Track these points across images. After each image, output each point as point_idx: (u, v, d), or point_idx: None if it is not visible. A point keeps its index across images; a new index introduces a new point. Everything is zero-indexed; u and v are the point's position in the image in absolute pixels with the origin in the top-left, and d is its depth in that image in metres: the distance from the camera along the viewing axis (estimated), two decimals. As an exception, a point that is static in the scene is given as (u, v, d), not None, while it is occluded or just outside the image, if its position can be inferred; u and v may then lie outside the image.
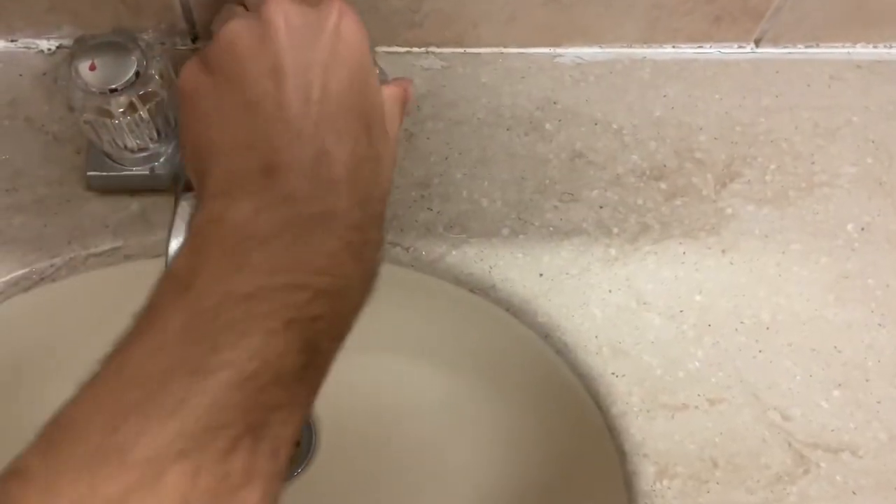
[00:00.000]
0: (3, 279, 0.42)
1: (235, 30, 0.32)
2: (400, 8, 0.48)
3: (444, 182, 0.47)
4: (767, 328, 0.45)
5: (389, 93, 0.36)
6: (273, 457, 0.27)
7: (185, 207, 0.37)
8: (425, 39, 0.51)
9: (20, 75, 0.47)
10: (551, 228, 0.47)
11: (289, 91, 0.31)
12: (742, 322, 0.45)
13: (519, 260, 0.45)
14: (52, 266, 0.43)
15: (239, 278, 0.28)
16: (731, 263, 0.46)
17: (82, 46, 0.39)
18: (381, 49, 0.51)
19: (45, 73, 0.47)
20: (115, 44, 0.40)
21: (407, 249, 0.45)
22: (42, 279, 0.43)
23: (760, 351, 0.44)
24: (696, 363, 0.44)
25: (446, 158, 0.48)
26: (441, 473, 0.51)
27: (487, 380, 0.50)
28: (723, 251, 0.47)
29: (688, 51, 0.53)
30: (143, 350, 0.27)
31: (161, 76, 0.40)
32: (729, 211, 0.48)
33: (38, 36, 0.48)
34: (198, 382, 0.26)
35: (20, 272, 0.42)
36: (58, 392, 0.41)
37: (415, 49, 0.51)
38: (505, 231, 0.46)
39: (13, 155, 0.45)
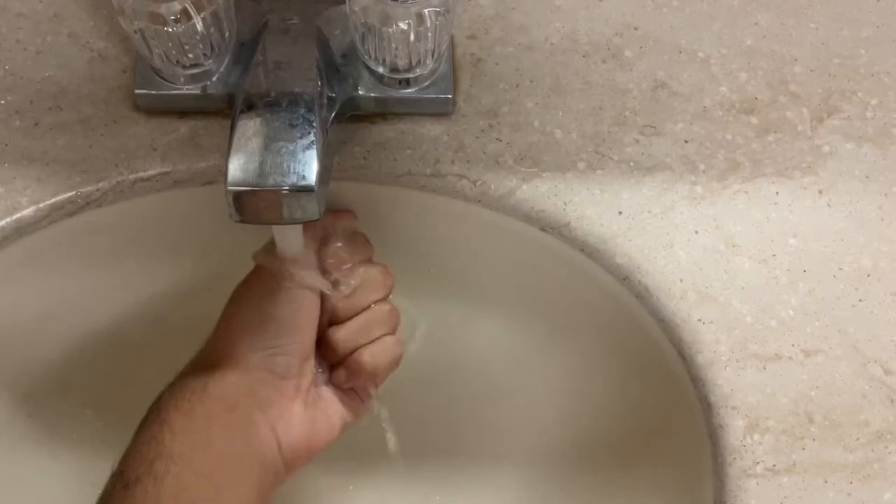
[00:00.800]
0: (49, 202, 0.40)
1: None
2: (470, -81, 0.44)
3: (513, 111, 0.44)
4: (868, 275, 0.41)
5: None
6: None
7: (246, 126, 0.33)
8: (496, -43, 0.47)
9: (63, -12, 0.44)
10: (632, 163, 0.43)
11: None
12: (841, 268, 0.41)
13: (596, 196, 0.42)
14: (97, 190, 0.40)
15: None
16: (829, 205, 0.42)
17: (134, -52, 0.36)
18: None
19: (89, -14, 0.44)
20: (168, -55, 0.36)
21: (474, 183, 0.42)
22: (88, 203, 0.40)
23: (861, 300, 0.40)
24: (790, 311, 0.40)
25: (517, 86, 0.44)
26: (505, 424, 0.48)
27: (557, 325, 0.47)
28: (819, 192, 0.43)
29: (782, -25, 0.48)
30: None
31: (217, -18, 0.37)
32: (826, 149, 0.44)
33: (83, -56, 0.45)
34: None
35: (65, 195, 0.40)
36: (95, 322, 0.39)
37: (483, -32, 0.47)
38: (581, 165, 0.43)
39: (56, 72, 0.42)
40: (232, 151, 0.33)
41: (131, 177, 0.40)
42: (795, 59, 0.46)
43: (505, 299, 0.47)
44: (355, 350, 0.39)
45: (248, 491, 0.34)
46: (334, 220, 0.41)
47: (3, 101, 0.41)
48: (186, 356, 0.39)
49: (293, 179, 0.32)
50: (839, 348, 0.39)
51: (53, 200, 0.40)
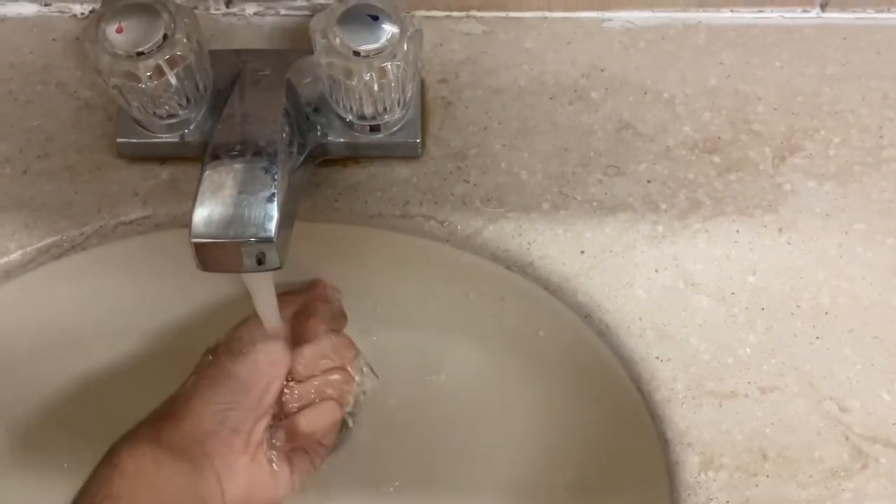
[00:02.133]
0: (35, 246, 0.42)
1: None
2: (435, -32, 0.46)
3: (481, 153, 0.45)
4: (826, 313, 0.42)
5: None
6: None
7: (213, 176, 0.35)
8: (466, 3, 0.48)
9: (53, 40, 0.47)
10: (595, 203, 0.44)
11: None
12: (799, 306, 0.42)
13: (559, 236, 0.43)
14: (81, 234, 0.42)
15: None
16: (789, 243, 0.43)
17: (110, 9, 0.38)
18: (420, 13, 0.49)
19: (77, 38, 0.46)
20: (144, 6, 0.39)
21: (442, 223, 0.44)
22: (73, 247, 0.42)
23: (818, 337, 0.41)
24: (748, 349, 0.41)
25: (485, 128, 0.46)
26: (473, 452, 0.49)
27: (524, 359, 0.48)
28: (780, 230, 0.44)
29: (747, 15, 0.49)
30: None
31: (189, 39, 0.39)
32: (788, 187, 0.45)
33: None
34: None
35: (51, 239, 0.42)
36: (85, 357, 0.41)
37: (455, 13, 0.49)
38: (545, 205, 0.44)
39: (45, 120, 0.45)
40: (196, 204, 0.34)
41: (114, 221, 0.43)
42: (759, 98, 0.47)
43: (477, 333, 0.48)
44: (297, 412, 0.41)
45: None
46: (321, 291, 0.44)
47: (-6, 150, 0.44)
48: (171, 389, 0.41)
49: (253, 231, 0.34)
50: (795, 385, 0.40)
51: (40, 244, 0.42)
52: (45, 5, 0.47)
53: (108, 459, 0.36)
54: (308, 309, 0.44)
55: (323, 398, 0.42)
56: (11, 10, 0.47)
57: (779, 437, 0.39)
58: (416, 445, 0.50)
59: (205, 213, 0.34)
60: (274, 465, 0.41)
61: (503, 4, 0.49)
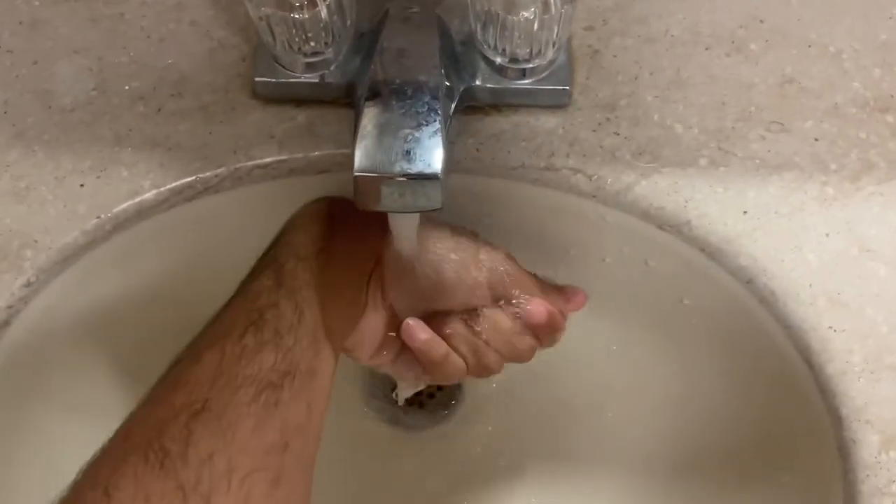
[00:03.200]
0: (169, 186, 0.40)
1: None
2: None
3: (632, 104, 0.42)
4: None
5: None
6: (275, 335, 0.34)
7: (370, 110, 0.33)
8: (615, -54, 0.45)
9: (185, -24, 0.45)
10: (757, 161, 0.41)
11: None
12: None
13: (719, 194, 0.40)
14: (216, 176, 0.41)
15: None
16: (975, 211, 0.39)
17: (263, -65, 0.36)
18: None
19: (210, -24, 0.45)
20: (296, -66, 0.37)
21: (590, 177, 0.41)
22: (206, 189, 0.41)
23: None
24: (930, 320, 0.37)
25: (636, 78, 0.43)
26: (614, 429, 0.47)
27: (672, 329, 0.45)
28: (964, 196, 0.40)
29: (923, -35, 0.45)
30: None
31: (342, -31, 0.37)
32: (972, 151, 0.41)
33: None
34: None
35: (185, 180, 0.40)
36: (214, 302, 0.39)
37: (602, -43, 0.46)
38: (703, 161, 0.41)
39: (178, 59, 0.43)
40: (358, 138, 0.32)
41: (249, 164, 0.41)
42: (937, 55, 0.43)
43: (617, 300, 0.46)
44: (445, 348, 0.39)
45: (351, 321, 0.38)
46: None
47: (127, 87, 0.43)
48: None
49: (419, 167, 0.32)
50: None
51: (174, 185, 0.40)
52: (178, -59, 0.46)
53: (324, 215, 0.39)
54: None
55: (480, 363, 0.40)
56: (143, -54, 0.46)
57: (969, 418, 0.36)
58: (541, 419, 0.48)
59: (368, 148, 0.32)
60: (390, 344, 0.40)
61: (654, -51, 0.45)
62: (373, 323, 0.39)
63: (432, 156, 0.32)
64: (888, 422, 0.36)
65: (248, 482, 0.30)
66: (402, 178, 0.32)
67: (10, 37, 0.44)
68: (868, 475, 0.35)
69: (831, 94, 0.42)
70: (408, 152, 0.32)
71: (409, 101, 0.34)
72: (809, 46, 0.44)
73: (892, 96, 0.42)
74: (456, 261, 0.38)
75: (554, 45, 0.39)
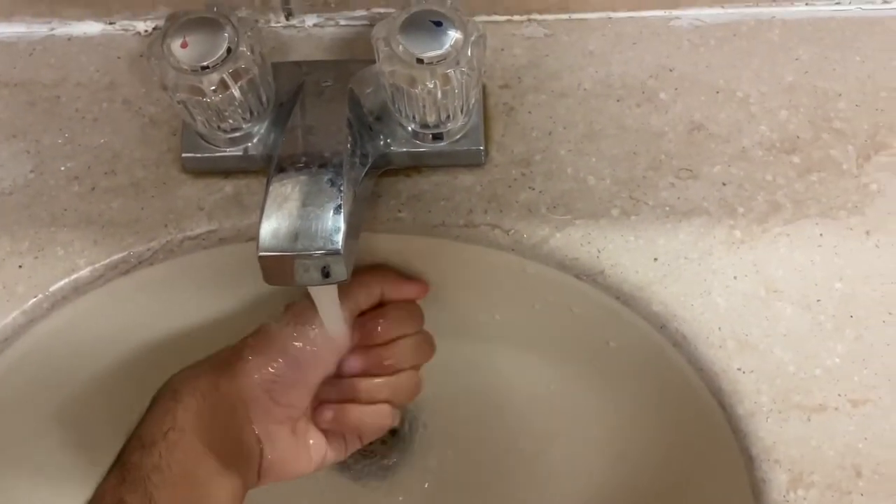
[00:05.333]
0: (103, 262, 0.42)
1: None
2: (500, -28, 0.45)
3: (546, 159, 0.44)
4: (921, 321, 0.39)
5: None
6: None
7: (278, 187, 0.35)
8: (527, 6, 0.47)
9: (118, 57, 0.47)
10: (667, 208, 0.42)
11: None
12: (891, 313, 0.39)
13: (630, 243, 0.42)
14: (148, 250, 0.42)
15: None
16: (877, 246, 0.41)
17: (175, 24, 0.38)
18: (480, 18, 0.48)
19: (142, 55, 0.47)
20: (208, 20, 0.39)
21: (507, 232, 0.42)
22: (140, 262, 0.43)
23: (914, 346, 0.39)
24: (836, 359, 0.39)
25: (550, 133, 0.45)
26: (543, 470, 0.48)
27: (595, 373, 0.46)
28: (867, 232, 0.41)
29: (823, 8, 0.47)
30: None
31: (252, 52, 0.39)
32: (874, 187, 0.42)
33: (135, 17, 0.48)
34: None
35: (119, 255, 0.42)
36: (158, 367, 0.41)
37: (516, 17, 0.48)
38: (615, 211, 0.42)
39: (112, 138, 0.45)
40: (263, 217, 0.34)
41: (180, 236, 0.43)
42: (839, 95, 0.45)
43: (546, 344, 0.47)
44: (351, 401, 0.42)
45: (237, 479, 0.39)
46: (398, 287, 0.44)
47: (63, 168, 0.44)
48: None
49: (320, 243, 0.33)
50: (889, 397, 0.38)
51: (108, 261, 0.42)
52: (110, 24, 0.48)
53: (172, 395, 0.39)
54: (384, 311, 0.43)
55: (383, 400, 0.42)
56: (77, 29, 0.48)
57: (873, 452, 0.37)
58: (481, 460, 0.49)
59: (272, 226, 0.33)
60: (311, 441, 0.42)
61: (565, 6, 0.47)
62: (282, 449, 0.41)
63: (334, 232, 0.34)
64: (795, 460, 0.37)
65: None
66: (305, 255, 0.33)
67: (-49, 124, 0.46)
68: (777, 514, 0.36)
69: (739, 139, 0.44)
70: (310, 229, 0.34)
71: (313, 178, 0.35)
72: (717, 92, 0.45)
73: (797, 137, 0.44)
74: (301, 345, 0.41)
75: (462, 111, 0.41)
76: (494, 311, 0.47)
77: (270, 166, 0.38)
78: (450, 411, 0.44)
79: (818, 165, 0.43)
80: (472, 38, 0.38)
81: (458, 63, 0.38)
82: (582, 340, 0.46)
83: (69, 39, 0.48)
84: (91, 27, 0.48)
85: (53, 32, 0.48)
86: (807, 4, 0.47)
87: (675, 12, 0.47)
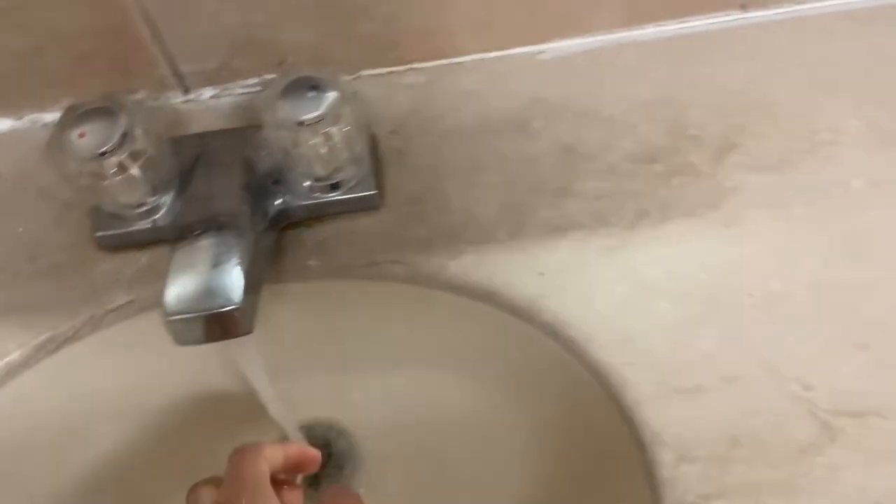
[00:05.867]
0: (32, 343, 0.45)
1: None
2: (374, 31, 0.49)
3: (436, 195, 0.48)
4: (780, 298, 0.44)
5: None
6: None
7: (181, 257, 0.38)
8: (406, 57, 0.51)
9: (29, 149, 0.50)
10: (548, 227, 0.46)
11: None
12: (751, 295, 0.44)
13: (517, 262, 0.46)
14: (73, 327, 0.45)
15: None
16: (736, 237, 0.45)
17: (71, 116, 0.42)
18: (365, 72, 0.52)
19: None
20: (103, 109, 0.42)
21: (405, 265, 0.46)
22: (66, 339, 0.45)
23: (774, 322, 0.43)
24: (708, 343, 0.43)
25: (437, 171, 0.49)
26: (472, 482, 0.51)
27: (509, 387, 0.50)
28: (726, 226, 0.46)
29: (671, 27, 0.52)
30: None
31: (147, 134, 0.42)
32: (729, 184, 0.47)
33: (42, 110, 0.51)
34: None
35: (46, 335, 0.45)
36: (87, 444, 0.43)
37: (397, 68, 0.52)
38: (501, 235, 0.46)
39: (30, 226, 0.48)
40: (168, 284, 0.37)
41: (101, 310, 0.46)
42: (692, 104, 0.49)
43: (463, 365, 0.51)
44: None
45: None
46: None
47: (-13, 259, 0.47)
48: (172, 465, 0.43)
49: (220, 301, 0.37)
50: (758, 371, 0.42)
51: (36, 342, 0.45)
52: (18, 119, 0.51)
53: None
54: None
55: None
56: (-11, 127, 0.51)
57: (748, 422, 0.41)
58: (411, 479, 0.52)
59: (175, 292, 0.37)
60: None
61: (441, 53, 0.52)
62: None
63: (234, 289, 0.37)
64: (679, 439, 0.41)
65: None
66: (209, 314, 0.37)
67: None
68: (667, 490, 0.40)
69: (606, 155, 0.48)
70: (212, 289, 0.37)
71: (212, 242, 0.39)
72: (584, 115, 0.50)
73: (658, 147, 0.48)
74: None
75: (351, 162, 0.45)
76: (408, 340, 0.50)
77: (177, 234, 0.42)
78: (383, 439, 0.47)
79: (679, 170, 0.47)
80: (347, 97, 0.42)
81: (337, 121, 0.42)
82: (491, 357, 0.50)
83: (-19, 138, 0.51)
84: (1, 124, 0.51)
85: (-35, 132, 0.51)
86: (656, 26, 0.52)
87: (540, 47, 0.52)
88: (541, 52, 0.52)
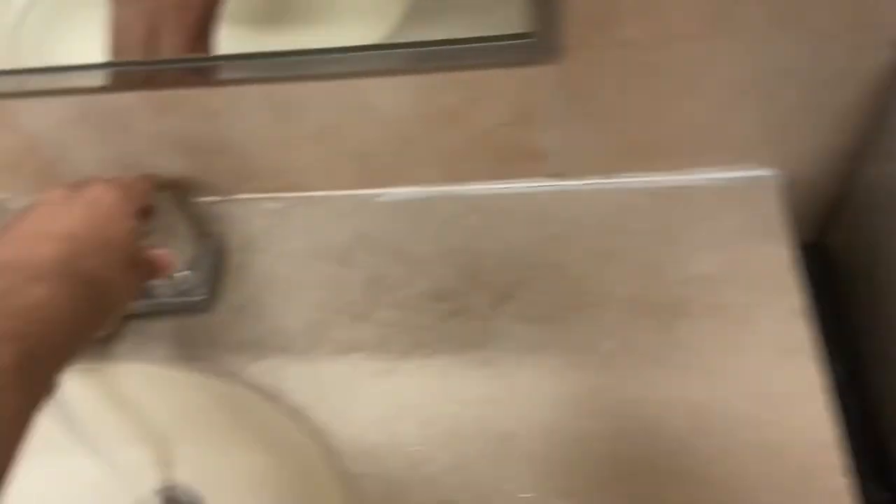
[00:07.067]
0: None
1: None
2: (232, 166, 0.59)
3: (258, 305, 0.57)
4: (512, 436, 0.49)
5: (151, 254, 0.49)
6: None
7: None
8: (265, 187, 0.61)
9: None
10: (338, 344, 0.54)
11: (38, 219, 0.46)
12: (487, 429, 0.50)
13: (304, 372, 0.53)
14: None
15: None
16: (491, 376, 0.52)
17: None
18: (235, 196, 0.62)
19: None
20: None
21: (214, 361, 0.55)
22: None
23: (497, 459, 0.49)
24: (437, 466, 0.49)
25: (267, 285, 0.58)
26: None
27: (270, 473, 0.57)
28: (485, 363, 0.52)
29: (494, 186, 0.60)
30: None
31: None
32: (499, 328, 0.54)
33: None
34: None
35: None
36: None
37: (259, 194, 0.62)
38: (300, 345, 0.55)
39: None
40: None
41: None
42: (489, 254, 0.57)
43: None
44: None
45: None
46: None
47: None
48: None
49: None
50: (470, 499, 0.48)
51: None
52: None
53: None
54: None
55: None
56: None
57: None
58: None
59: None
60: None
61: (300, 186, 0.62)
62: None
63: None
64: None
65: None
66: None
67: None
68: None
69: (406, 290, 0.56)
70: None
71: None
72: (399, 253, 0.58)
73: (449, 289, 0.56)
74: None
75: (193, 269, 0.55)
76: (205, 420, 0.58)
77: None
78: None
79: (461, 311, 0.55)
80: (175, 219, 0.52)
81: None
82: (268, 449, 0.57)
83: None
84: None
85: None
86: (479, 183, 0.60)
87: (381, 190, 0.61)
88: (380, 195, 0.61)
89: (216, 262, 0.58)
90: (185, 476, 0.59)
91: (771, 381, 0.49)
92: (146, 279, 0.50)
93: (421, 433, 0.50)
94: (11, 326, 0.38)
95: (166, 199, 0.56)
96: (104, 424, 0.56)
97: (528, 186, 0.60)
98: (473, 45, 0.49)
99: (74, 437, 0.53)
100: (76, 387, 0.52)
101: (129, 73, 0.53)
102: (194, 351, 0.55)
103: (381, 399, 0.52)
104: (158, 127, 0.56)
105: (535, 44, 0.48)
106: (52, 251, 0.43)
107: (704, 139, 0.55)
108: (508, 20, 0.48)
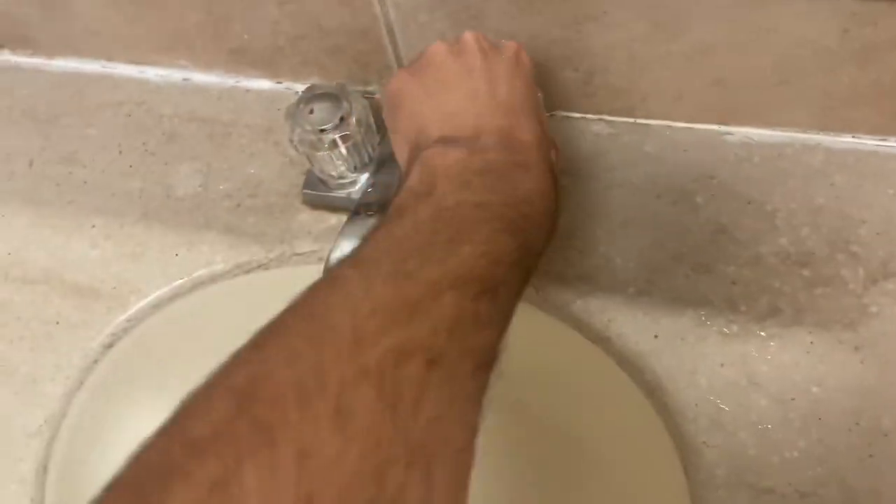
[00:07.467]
0: (233, 262, 0.56)
1: (437, 48, 0.44)
2: (574, 79, 0.54)
3: (584, 237, 0.52)
4: (886, 435, 0.43)
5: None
6: (503, 316, 0.34)
7: (349, 227, 0.47)
8: (598, 108, 0.56)
9: (278, 109, 0.62)
10: (677, 294, 0.49)
11: (480, 85, 0.42)
12: (858, 423, 0.43)
13: (638, 318, 0.49)
14: (267, 258, 0.56)
15: (467, 193, 0.36)
16: (862, 363, 0.45)
17: (307, 95, 0.51)
18: (559, 113, 0.57)
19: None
20: (332, 95, 0.51)
21: (537, 291, 0.51)
22: (259, 266, 0.56)
23: (871, 455, 0.43)
24: (795, 453, 0.43)
25: (591, 215, 0.53)
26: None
27: (587, 425, 0.53)
28: (856, 348, 0.46)
29: (868, 142, 0.52)
30: (402, 228, 0.34)
31: (359, 123, 0.51)
32: (874, 309, 0.46)
33: (296, 81, 0.62)
34: (452, 249, 0.33)
35: (245, 258, 0.56)
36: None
37: (589, 115, 0.57)
38: (631, 290, 0.50)
39: (260, 170, 0.59)
40: (334, 246, 0.46)
41: (290, 251, 0.55)
42: (864, 221, 0.49)
43: (545, 392, 0.55)
44: None
45: None
46: None
47: (221, 187, 0.59)
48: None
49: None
50: (837, 496, 0.42)
51: (237, 262, 0.56)
52: (277, 83, 0.63)
53: None
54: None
55: None
56: (254, 84, 0.63)
57: (807, 540, 0.41)
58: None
59: (337, 254, 0.45)
60: None
61: (631, 112, 0.56)
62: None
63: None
64: (733, 530, 0.42)
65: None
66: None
67: (155, 144, 0.62)
68: (707, 571, 0.42)
69: (756, 246, 0.50)
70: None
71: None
72: (749, 203, 0.51)
73: (813, 253, 0.49)
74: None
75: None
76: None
77: (354, 209, 0.50)
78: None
79: (826, 281, 0.48)
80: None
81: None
82: (582, 394, 0.53)
83: (247, 91, 0.63)
84: (263, 84, 0.63)
85: (237, 84, 0.64)
86: (853, 136, 0.52)
87: (728, 128, 0.54)
88: (728, 133, 0.54)
89: (542, 184, 0.54)
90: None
91: None
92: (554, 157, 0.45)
93: (776, 411, 0.45)
94: (511, 219, 0.36)
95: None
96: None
97: (915, 147, 0.51)
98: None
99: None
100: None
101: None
102: (514, 275, 0.52)
103: (727, 364, 0.46)
104: (518, 25, 0.51)
105: None
106: (526, 133, 0.40)
107: None
108: None
